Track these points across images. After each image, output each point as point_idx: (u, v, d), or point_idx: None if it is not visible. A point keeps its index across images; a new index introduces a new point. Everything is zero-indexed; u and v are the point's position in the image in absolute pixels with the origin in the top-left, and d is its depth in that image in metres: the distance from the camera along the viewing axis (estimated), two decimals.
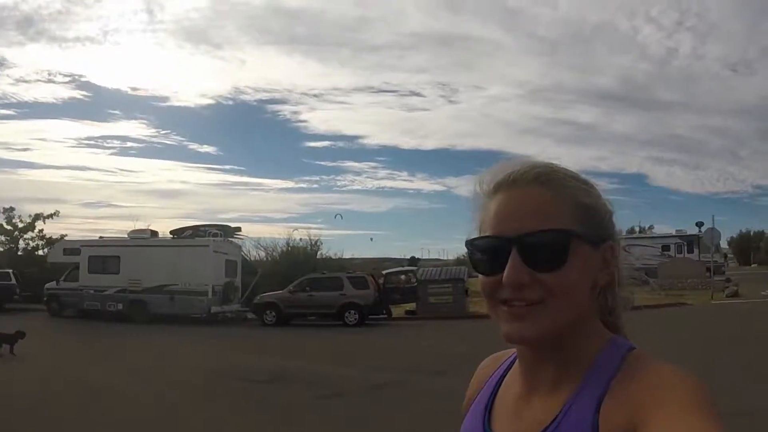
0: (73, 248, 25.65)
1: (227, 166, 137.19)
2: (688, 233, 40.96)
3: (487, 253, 1.00)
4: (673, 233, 44.94)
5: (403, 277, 28.29)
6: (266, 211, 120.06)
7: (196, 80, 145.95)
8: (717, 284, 31.98)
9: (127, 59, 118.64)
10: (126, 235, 26.26)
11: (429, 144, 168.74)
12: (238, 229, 26.90)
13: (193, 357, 14.30)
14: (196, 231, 24.92)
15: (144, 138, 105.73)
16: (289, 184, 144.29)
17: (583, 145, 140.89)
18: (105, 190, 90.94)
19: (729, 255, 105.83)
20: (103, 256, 24.53)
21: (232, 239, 26.16)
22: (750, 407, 7.33)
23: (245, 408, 8.90)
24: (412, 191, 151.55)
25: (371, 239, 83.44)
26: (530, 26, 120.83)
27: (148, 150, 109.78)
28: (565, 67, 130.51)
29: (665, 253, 41.36)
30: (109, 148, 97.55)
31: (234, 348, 16.08)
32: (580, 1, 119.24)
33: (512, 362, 1.14)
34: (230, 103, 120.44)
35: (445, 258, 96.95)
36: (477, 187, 1.07)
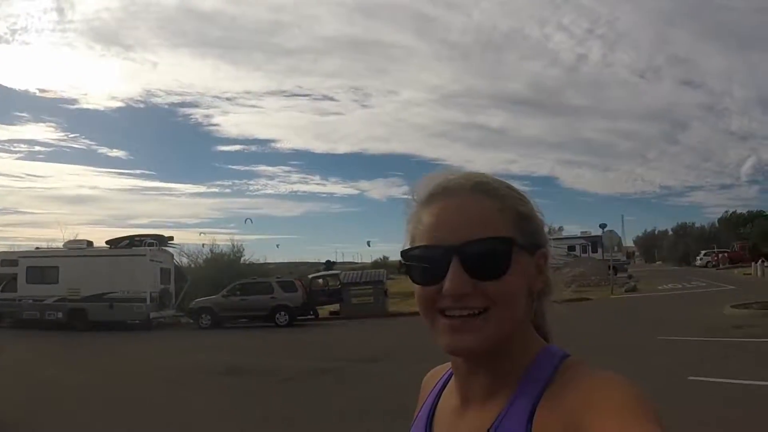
0: (11, 259, 26.48)
1: (138, 171, 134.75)
2: (593, 234, 44.40)
3: (424, 263, 0.97)
4: (578, 234, 48.62)
5: (324, 280, 30.47)
6: (178, 217, 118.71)
7: (107, 82, 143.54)
8: (618, 281, 35.61)
9: (35, 59, 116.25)
10: (62, 246, 27.65)
11: (342, 148, 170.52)
12: (171, 238, 28.56)
13: (151, 356, 16.27)
14: (132, 241, 26.49)
15: (52, 142, 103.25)
16: (201, 188, 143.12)
17: (495, 149, 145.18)
18: (11, 197, 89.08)
19: (636, 253, 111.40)
20: (42, 266, 25.64)
21: (165, 248, 27.80)
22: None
23: (213, 395, 10.83)
24: (325, 195, 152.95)
25: (277, 246, 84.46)
26: (443, 33, 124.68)
27: (57, 154, 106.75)
28: (476, 72, 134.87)
29: (571, 253, 44.54)
30: (16, 152, 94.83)
31: (183, 348, 18.08)
32: (492, 9, 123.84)
33: (450, 375, 1.12)
34: (141, 106, 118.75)
35: (360, 261, 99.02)
36: (410, 197, 1.06)
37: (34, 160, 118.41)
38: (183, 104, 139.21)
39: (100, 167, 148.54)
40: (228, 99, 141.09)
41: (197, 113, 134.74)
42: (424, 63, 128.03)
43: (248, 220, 65.05)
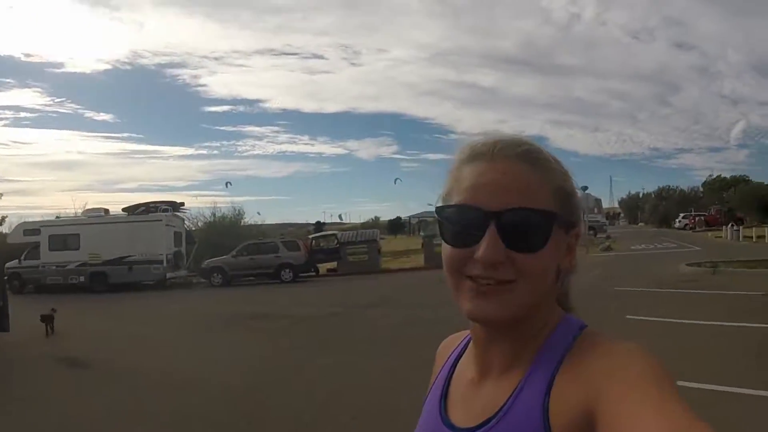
0: (33, 228, 28.93)
1: (125, 134, 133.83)
2: (585, 193, 47.44)
3: (460, 224, 0.95)
4: None
5: (324, 240, 33.24)
6: (166, 180, 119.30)
7: (93, 45, 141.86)
8: (596, 241, 39.08)
9: (20, 23, 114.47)
10: (80, 214, 30.33)
11: (331, 107, 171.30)
12: (182, 204, 31.14)
13: (186, 310, 19.15)
14: (148, 207, 29.10)
15: (38, 107, 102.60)
16: (189, 151, 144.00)
17: (485, 108, 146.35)
18: None
19: (621, 214, 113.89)
20: (63, 234, 28.11)
21: (177, 213, 30.48)
22: None
23: (250, 334, 13.77)
24: (313, 155, 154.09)
25: (258, 213, 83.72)
26: None
27: (43, 120, 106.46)
28: (467, 30, 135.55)
29: None
30: (1, 119, 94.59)
31: (207, 302, 21.04)
32: None
33: (466, 344, 1.13)
34: (128, 68, 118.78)
35: (348, 221, 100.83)
36: (454, 153, 1.03)
37: (20, 127, 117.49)
38: (170, 65, 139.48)
39: (88, 132, 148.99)
40: (216, 59, 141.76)
41: (184, 74, 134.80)
42: (415, 20, 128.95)
43: (228, 183, 66.98)
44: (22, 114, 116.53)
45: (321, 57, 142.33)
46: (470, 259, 0.93)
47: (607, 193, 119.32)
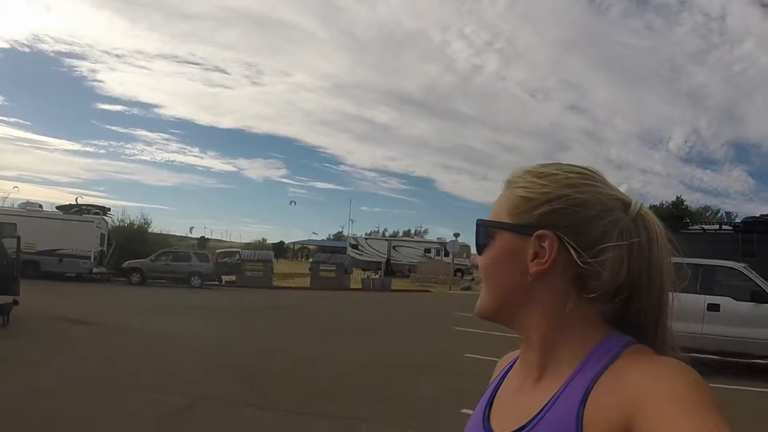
0: None
1: (12, 119, 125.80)
2: (447, 240, 55.16)
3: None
4: (435, 240, 60.71)
5: (225, 255, 39.52)
6: (48, 173, 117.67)
7: None
8: (459, 281, 47.21)
9: None
10: (17, 206, 35.38)
11: (226, 122, 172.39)
12: (109, 209, 36.91)
13: (122, 296, 25.21)
14: (80, 209, 34.67)
15: None
16: (76, 146, 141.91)
17: (377, 144, 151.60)
18: None
19: None
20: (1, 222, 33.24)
21: (105, 217, 36.05)
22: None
23: (189, 316, 20.05)
24: (201, 168, 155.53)
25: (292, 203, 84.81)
26: (347, 23, 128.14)
27: None
28: (372, 67, 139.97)
29: (426, 254, 57.04)
30: None
31: (137, 294, 27.16)
32: (399, 7, 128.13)
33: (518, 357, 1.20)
34: (26, 50, 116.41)
35: (228, 239, 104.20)
36: None
37: None
38: (70, 55, 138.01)
39: None
40: (117, 56, 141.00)
41: (83, 66, 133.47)
42: (323, 49, 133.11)
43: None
44: None
45: (223, 71, 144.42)
46: None
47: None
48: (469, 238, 51.19)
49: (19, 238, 18.85)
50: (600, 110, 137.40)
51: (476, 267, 1.13)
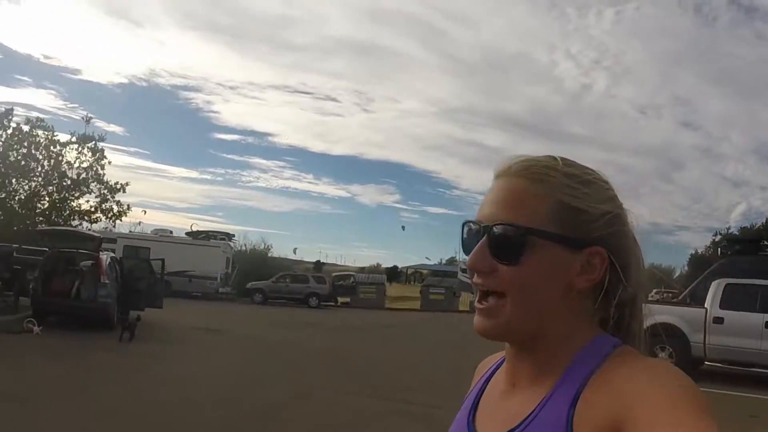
0: (111, 238, 36.80)
1: (132, 149, 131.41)
2: None
3: (467, 237, 1.06)
4: None
5: (340, 278, 41.88)
6: (167, 199, 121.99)
7: (112, 57, 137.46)
8: None
9: (43, 25, 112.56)
10: (150, 233, 38.84)
11: (338, 149, 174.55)
12: (233, 235, 40.04)
13: (247, 313, 27.68)
14: (208, 235, 37.87)
15: (50, 109, 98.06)
16: (194, 173, 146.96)
17: (489, 167, 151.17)
18: None
19: None
20: (136, 246, 36.42)
21: (230, 243, 39.11)
22: None
23: (307, 329, 22.16)
24: (316, 194, 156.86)
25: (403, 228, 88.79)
26: (451, 47, 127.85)
27: (54, 122, 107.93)
28: (479, 90, 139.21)
29: None
30: (13, 115, 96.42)
31: (260, 312, 29.52)
32: (502, 29, 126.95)
33: (503, 361, 1.17)
34: (143, 84, 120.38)
35: (342, 263, 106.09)
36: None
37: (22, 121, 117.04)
38: (185, 87, 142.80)
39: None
40: (231, 88, 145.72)
41: (198, 98, 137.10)
42: (429, 75, 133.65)
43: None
44: (33, 113, 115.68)
45: (334, 99, 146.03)
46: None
47: None
48: None
49: (163, 261, 21.67)
50: (714, 125, 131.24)
51: (479, 272, 1.02)
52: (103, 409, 8.66)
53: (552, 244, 0.99)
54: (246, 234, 74.93)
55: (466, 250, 1.04)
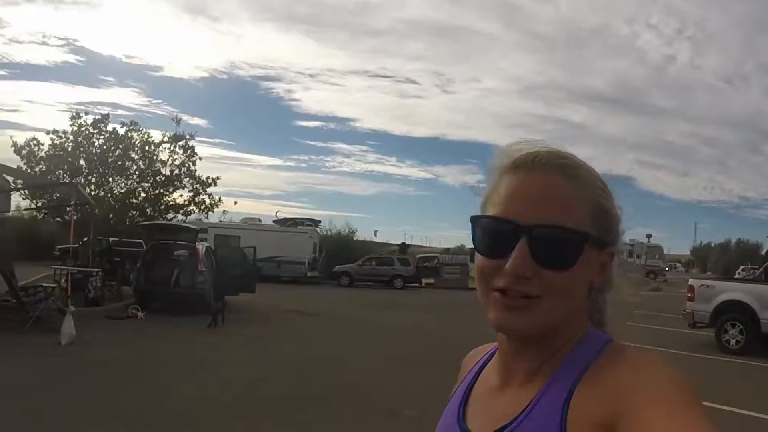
0: (203, 228, 38.41)
1: (217, 140, 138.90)
2: (638, 241, 55.30)
3: (492, 235, 0.99)
4: (626, 242, 60.35)
5: (425, 260, 42.70)
6: (253, 187, 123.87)
7: (192, 52, 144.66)
8: (650, 283, 46.35)
9: (123, 26, 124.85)
10: (239, 221, 40.43)
11: (420, 131, 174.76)
12: (319, 221, 41.42)
13: (338, 296, 28.89)
14: (295, 222, 39.26)
15: (135, 106, 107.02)
16: (278, 161, 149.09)
17: (573, 144, 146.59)
18: None
19: (692, 262, 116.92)
20: (227, 235, 37.97)
21: (316, 228, 40.41)
22: None
23: (391, 309, 22.97)
24: (399, 177, 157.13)
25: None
26: (529, 23, 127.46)
27: (139, 119, 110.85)
28: (560, 65, 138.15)
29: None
30: (99, 113, 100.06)
31: (350, 294, 30.65)
32: (580, 3, 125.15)
33: (491, 355, 1.18)
34: (224, 77, 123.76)
35: (428, 245, 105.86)
36: (494, 160, 1.06)
37: (116, 123, 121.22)
38: (266, 78, 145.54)
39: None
40: (310, 75, 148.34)
41: (279, 87, 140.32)
42: (508, 52, 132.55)
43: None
44: (119, 111, 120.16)
45: (414, 82, 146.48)
46: (499, 270, 0.96)
47: (691, 239, 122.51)
48: (668, 237, 50.87)
49: (255, 248, 23.33)
50: None
51: (518, 278, 0.95)
52: (219, 382, 9.85)
53: (591, 247, 0.98)
54: (331, 219, 76.19)
55: (489, 250, 1.00)
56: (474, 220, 1.04)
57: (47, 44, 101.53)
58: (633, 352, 0.95)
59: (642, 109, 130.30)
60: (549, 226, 0.94)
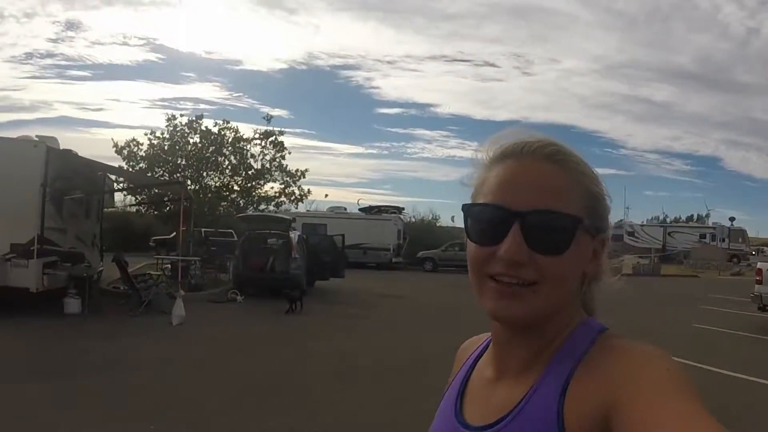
0: (290, 218, 40.24)
1: (299, 130, 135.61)
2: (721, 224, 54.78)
3: (485, 223, 0.99)
4: (711, 225, 59.50)
5: None
6: (335, 175, 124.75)
7: (270, 45, 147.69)
8: (733, 267, 45.72)
9: (200, 23, 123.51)
10: (326, 210, 41.99)
11: (501, 115, 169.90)
12: (403, 209, 42.68)
13: (421, 280, 30.06)
14: (380, 210, 40.65)
15: (217, 100, 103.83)
16: (359, 149, 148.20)
17: (658, 124, 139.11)
18: None
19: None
20: (314, 224, 39.04)
21: (400, 216, 41.62)
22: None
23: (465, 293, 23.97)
24: None
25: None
26: (608, 0, 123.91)
27: (221, 112, 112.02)
28: (641, 43, 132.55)
29: (702, 240, 55.84)
30: (182, 109, 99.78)
31: (436, 279, 31.77)
32: None
33: (486, 346, 1.17)
34: (303, 68, 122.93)
35: None
36: (481, 152, 1.07)
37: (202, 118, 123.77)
38: (344, 67, 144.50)
39: (262, 125, 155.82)
40: (389, 62, 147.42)
41: (358, 76, 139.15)
42: (587, 31, 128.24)
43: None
44: (202, 106, 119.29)
45: (493, 65, 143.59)
46: (493, 257, 0.96)
47: None
48: (757, 220, 49.97)
49: (343, 236, 24.72)
50: None
51: (515, 263, 0.95)
52: (317, 353, 11.24)
53: (584, 233, 0.98)
54: (415, 205, 76.93)
55: (482, 237, 0.99)
56: (466, 208, 1.04)
57: (128, 44, 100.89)
58: (627, 342, 0.95)
59: (727, 85, 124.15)
60: (541, 211, 0.95)
